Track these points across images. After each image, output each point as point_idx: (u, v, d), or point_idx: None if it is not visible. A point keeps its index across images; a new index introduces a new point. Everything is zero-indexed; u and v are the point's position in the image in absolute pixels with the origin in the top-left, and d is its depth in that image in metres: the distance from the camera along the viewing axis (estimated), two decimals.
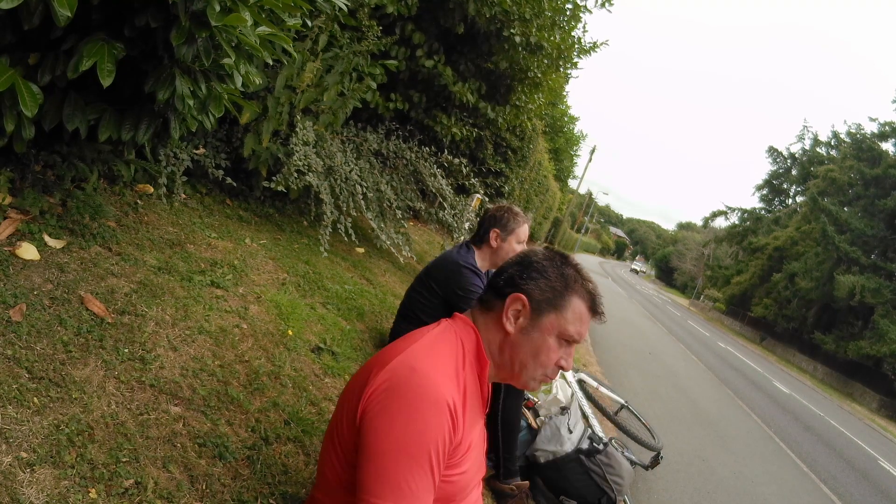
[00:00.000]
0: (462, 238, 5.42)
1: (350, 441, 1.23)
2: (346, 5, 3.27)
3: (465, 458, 1.27)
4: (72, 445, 1.49)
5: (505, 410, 2.66)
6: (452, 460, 1.21)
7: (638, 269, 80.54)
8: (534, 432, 3.02)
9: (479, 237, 2.98)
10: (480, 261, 2.93)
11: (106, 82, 1.82)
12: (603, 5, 7.00)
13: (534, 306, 1.31)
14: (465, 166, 5.43)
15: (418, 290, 3.02)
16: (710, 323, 34.25)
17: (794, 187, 42.41)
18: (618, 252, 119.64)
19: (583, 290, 1.34)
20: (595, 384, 4.12)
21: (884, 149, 29.67)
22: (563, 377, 3.77)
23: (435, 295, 2.91)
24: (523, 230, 2.93)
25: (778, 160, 43.71)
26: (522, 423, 2.97)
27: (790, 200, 42.86)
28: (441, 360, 1.23)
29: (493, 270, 3.21)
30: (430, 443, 1.11)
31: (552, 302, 1.32)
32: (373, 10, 4.75)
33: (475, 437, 1.35)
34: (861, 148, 30.48)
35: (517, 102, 7.26)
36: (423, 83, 6.15)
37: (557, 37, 6.66)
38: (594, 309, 1.36)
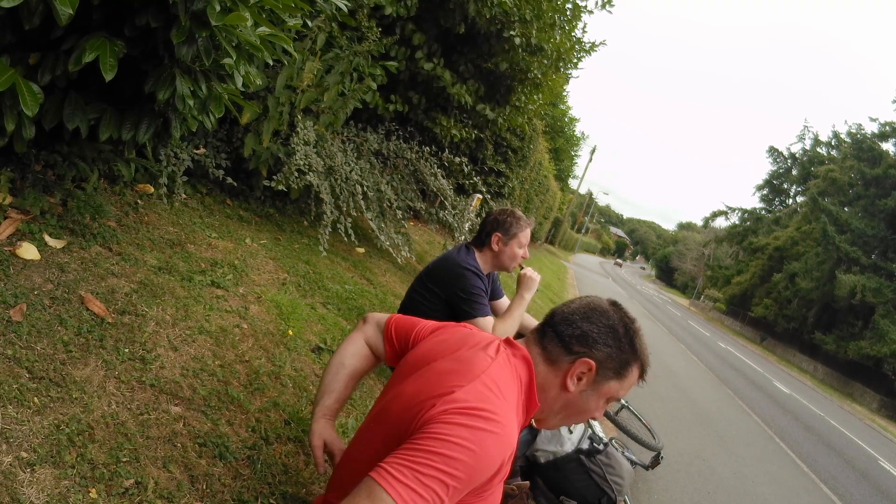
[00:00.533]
0: (463, 238, 5.41)
1: (396, 416, 1.21)
2: (346, 5, 3.27)
3: (503, 480, 1.25)
4: (72, 445, 1.49)
5: None
6: (496, 482, 1.19)
7: (620, 263, 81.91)
8: (534, 432, 3.02)
9: (480, 240, 2.95)
10: (482, 263, 2.92)
11: (108, 76, 1.81)
12: (604, 6, 6.99)
13: (599, 372, 1.31)
14: (466, 165, 5.43)
15: (419, 291, 3.00)
16: (710, 323, 34.26)
17: (794, 187, 42.44)
18: (618, 252, 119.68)
19: (642, 361, 1.36)
20: None
21: (884, 149, 29.69)
22: None
23: (435, 296, 2.90)
24: (525, 234, 2.91)
25: (778, 160, 43.74)
26: None
27: (790, 200, 42.90)
28: (509, 400, 1.21)
29: (495, 273, 3.21)
30: (471, 480, 1.07)
31: (618, 371, 1.33)
32: (372, 11, 4.75)
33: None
34: (861, 148, 30.49)
35: (517, 103, 7.25)
36: (423, 84, 6.15)
37: (558, 37, 6.65)
38: (642, 376, 1.39)
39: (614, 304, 1.38)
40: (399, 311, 3.14)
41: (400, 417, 1.22)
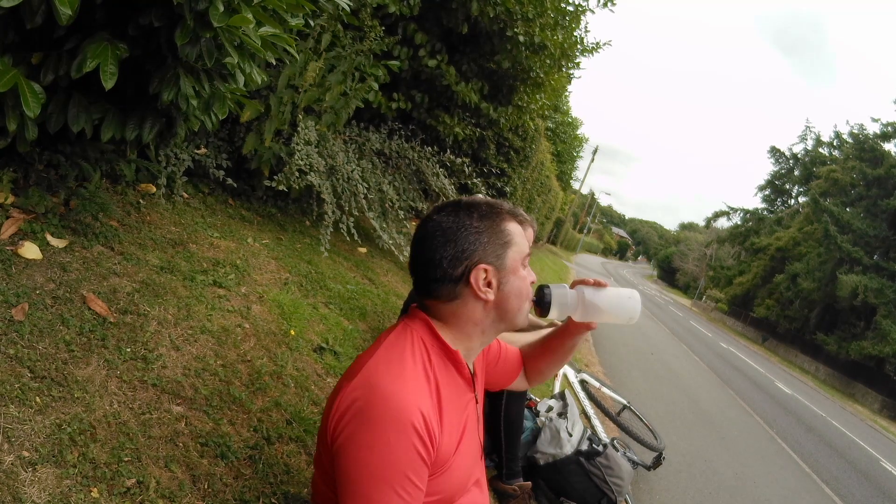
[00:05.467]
0: None
1: (326, 460, 1.22)
2: (349, 5, 3.27)
3: (457, 454, 1.24)
4: (74, 445, 1.49)
5: (508, 411, 2.65)
6: (438, 466, 1.18)
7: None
8: (535, 433, 3.02)
9: None
10: None
11: (108, 85, 1.82)
12: (605, 5, 6.98)
13: (493, 263, 1.26)
14: (468, 166, 5.43)
15: None
16: (712, 323, 34.21)
17: (796, 188, 42.34)
18: (620, 252, 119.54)
19: (507, 217, 1.32)
20: (597, 384, 4.12)
21: (886, 149, 29.61)
22: (566, 377, 3.77)
23: None
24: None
25: (780, 160, 43.65)
26: (527, 423, 2.97)
27: (792, 201, 42.80)
28: (404, 368, 1.18)
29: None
30: (402, 467, 1.09)
31: (501, 244, 1.28)
32: (375, 10, 4.75)
33: (467, 424, 1.32)
34: (863, 148, 30.42)
35: (519, 102, 7.25)
36: (426, 83, 6.14)
37: (560, 36, 6.65)
38: (521, 219, 1.37)
39: (436, 210, 1.32)
40: (402, 309, 3.15)
41: (323, 417, 1.25)
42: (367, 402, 1.11)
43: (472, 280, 1.25)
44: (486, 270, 1.25)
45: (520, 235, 1.32)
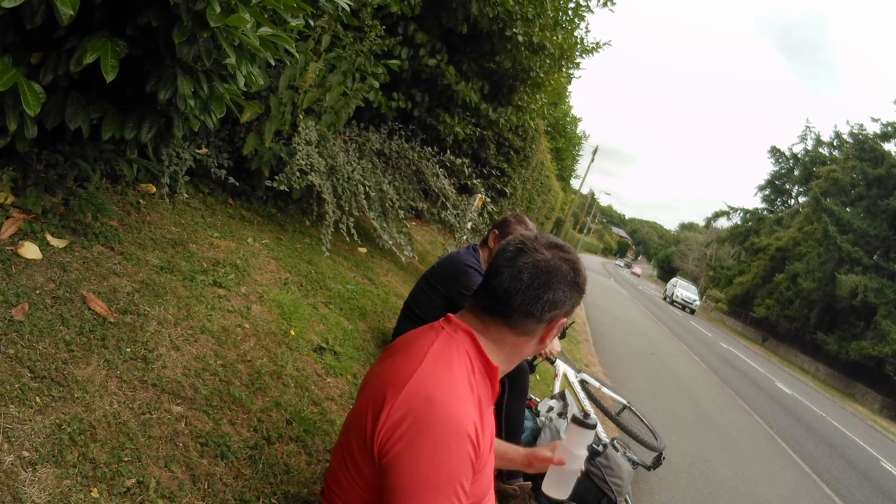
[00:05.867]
0: (465, 238, 5.42)
1: (365, 466, 1.23)
2: (349, 5, 3.27)
3: (487, 461, 1.29)
4: (74, 445, 1.49)
5: (508, 411, 2.66)
6: (476, 473, 1.22)
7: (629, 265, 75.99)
8: (535, 433, 3.02)
9: (484, 238, 3.03)
10: (484, 262, 2.95)
11: (109, 77, 1.82)
12: (605, 5, 6.99)
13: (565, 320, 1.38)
14: (468, 167, 5.43)
15: (423, 289, 3.02)
16: (712, 323, 34.20)
17: (796, 188, 42.35)
18: (620, 252, 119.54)
19: (585, 283, 1.40)
20: (597, 384, 4.12)
21: (886, 149, 29.60)
22: (566, 377, 3.77)
23: (439, 295, 2.92)
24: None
25: (780, 160, 43.65)
26: (527, 423, 2.97)
27: (792, 201, 42.81)
28: (455, 381, 1.22)
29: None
30: (459, 475, 1.13)
31: (572, 309, 1.38)
32: (375, 10, 4.75)
33: (491, 434, 1.37)
34: (863, 148, 30.42)
35: (519, 102, 7.25)
36: (426, 82, 6.15)
37: (560, 36, 6.65)
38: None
39: (554, 246, 1.36)
40: (402, 310, 3.15)
41: (359, 424, 1.26)
42: (425, 413, 1.14)
43: (553, 326, 1.35)
44: (562, 323, 1.36)
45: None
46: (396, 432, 1.15)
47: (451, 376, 1.22)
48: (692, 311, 33.89)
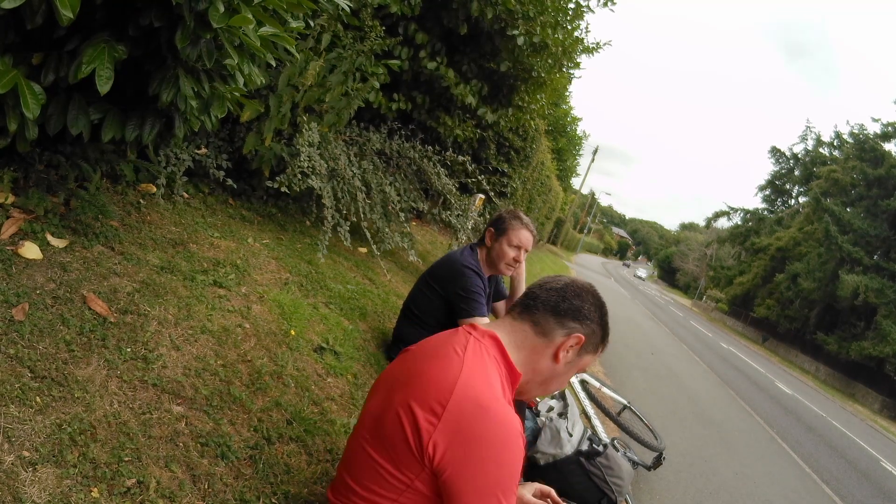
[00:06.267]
0: (466, 238, 5.42)
1: (405, 469, 1.27)
2: (349, 5, 3.27)
3: None
4: (74, 445, 1.50)
5: None
6: None
7: (642, 276, 72.72)
8: (535, 433, 3.02)
9: (481, 237, 3.01)
10: (483, 262, 2.94)
11: (103, 90, 1.83)
12: (605, 4, 6.98)
13: (584, 347, 1.42)
14: (470, 164, 5.43)
15: (421, 289, 3.02)
16: (712, 323, 34.20)
17: (796, 188, 42.36)
18: (620, 252, 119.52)
19: (608, 339, 1.49)
20: (598, 384, 4.12)
21: (886, 149, 29.61)
22: None
23: (436, 294, 2.91)
24: (518, 234, 2.88)
25: (780, 160, 43.66)
26: (527, 423, 2.97)
27: (793, 201, 42.83)
28: (495, 386, 1.28)
29: (500, 277, 3.19)
30: (516, 473, 1.22)
31: (595, 346, 1.45)
32: (376, 11, 4.75)
33: None
34: (864, 148, 30.42)
35: (520, 103, 7.25)
36: (426, 84, 6.15)
37: (560, 36, 6.65)
38: (603, 350, 1.52)
39: (592, 286, 1.49)
40: (401, 310, 3.15)
41: (393, 429, 1.29)
42: (482, 423, 1.20)
43: (570, 338, 1.40)
44: (579, 342, 1.41)
45: (598, 356, 1.52)
46: (454, 443, 1.20)
47: (491, 382, 1.28)
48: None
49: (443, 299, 2.89)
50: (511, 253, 2.87)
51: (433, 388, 1.26)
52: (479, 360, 1.31)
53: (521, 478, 1.26)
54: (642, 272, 72.29)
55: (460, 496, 1.20)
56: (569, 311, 1.40)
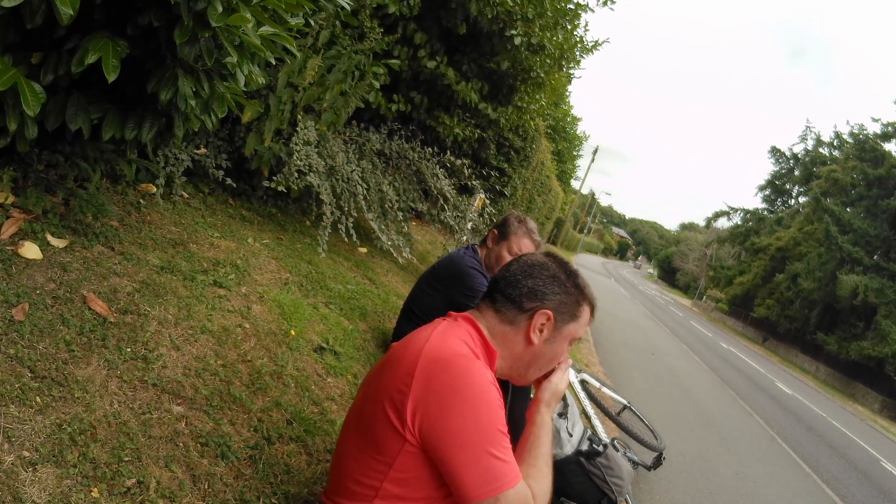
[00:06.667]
0: (465, 238, 5.42)
1: (390, 448, 1.26)
2: (349, 5, 3.27)
3: None
4: (74, 445, 1.49)
5: (513, 413, 2.65)
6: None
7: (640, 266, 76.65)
8: None
9: (483, 238, 3.01)
10: (484, 261, 2.94)
11: (111, 77, 1.82)
12: (605, 4, 6.98)
13: (557, 319, 1.41)
14: (468, 167, 5.42)
15: (423, 289, 3.02)
16: (712, 323, 34.20)
17: (796, 188, 42.35)
18: (620, 252, 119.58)
19: (589, 299, 1.46)
20: (597, 384, 4.11)
21: (886, 149, 29.61)
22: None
23: (439, 294, 2.91)
24: (519, 242, 2.87)
25: (780, 160, 43.65)
26: None
27: (793, 201, 42.81)
28: (461, 346, 1.29)
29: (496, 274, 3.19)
30: (495, 420, 1.20)
31: (572, 313, 1.43)
32: (374, 10, 4.75)
33: None
34: (864, 148, 30.42)
35: (519, 103, 7.25)
36: (426, 84, 6.15)
37: (560, 36, 6.65)
38: (593, 314, 1.50)
39: (549, 254, 1.49)
40: (402, 310, 3.15)
41: (373, 416, 1.30)
42: (447, 373, 1.21)
43: (535, 318, 1.40)
44: (548, 318, 1.40)
45: (585, 321, 1.48)
46: (425, 402, 1.20)
47: (457, 343, 1.30)
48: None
49: (445, 299, 2.88)
50: (508, 258, 2.86)
51: (404, 364, 1.28)
52: (449, 330, 1.34)
53: (503, 424, 1.22)
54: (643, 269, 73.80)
55: (451, 461, 1.18)
56: (523, 294, 1.41)
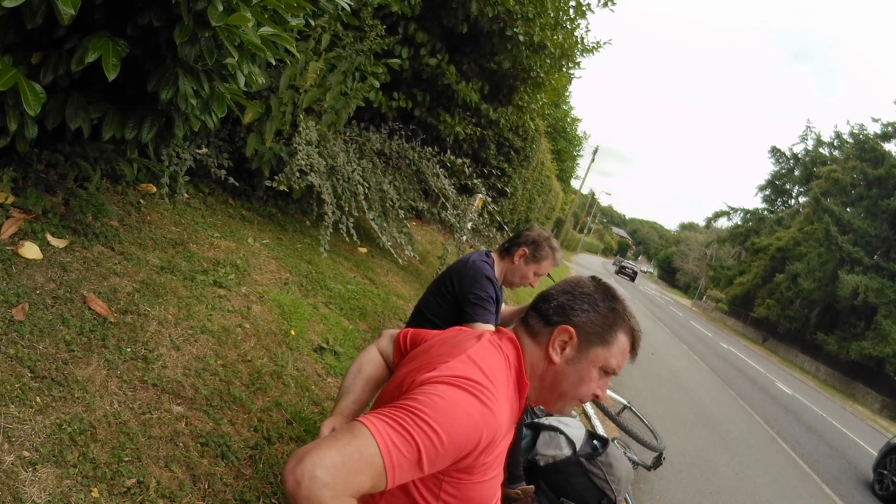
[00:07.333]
0: (465, 238, 5.42)
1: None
2: (350, 5, 3.27)
3: (496, 462, 1.27)
4: (74, 444, 1.49)
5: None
6: (486, 460, 1.20)
7: (637, 269, 72.60)
8: (535, 436, 3.01)
9: (506, 248, 2.98)
10: (497, 270, 2.94)
11: (111, 76, 1.81)
12: (605, 4, 6.98)
13: (581, 338, 1.32)
14: (468, 167, 5.42)
15: (434, 291, 3.01)
16: (712, 323, 34.20)
17: (796, 188, 42.36)
18: (620, 252, 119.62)
19: (628, 327, 1.36)
20: None
21: (886, 149, 29.62)
22: None
23: (451, 294, 2.91)
24: (547, 266, 2.93)
25: (781, 160, 43.66)
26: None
27: (793, 201, 42.82)
28: (498, 374, 1.22)
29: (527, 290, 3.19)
30: (451, 439, 1.07)
31: (601, 336, 1.33)
32: (376, 10, 4.75)
33: (505, 447, 1.35)
34: (864, 148, 30.43)
35: (520, 102, 7.25)
36: (427, 82, 6.15)
37: (560, 36, 6.65)
38: (634, 347, 1.38)
39: (594, 278, 1.42)
40: (413, 313, 3.14)
41: (391, 395, 1.26)
42: (476, 384, 1.13)
43: (555, 333, 1.32)
44: (570, 336, 1.31)
45: (620, 349, 1.35)
46: (434, 378, 1.14)
47: (495, 368, 1.23)
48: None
49: (454, 302, 2.88)
50: (533, 278, 2.93)
51: (441, 357, 1.24)
52: (489, 351, 1.28)
53: (460, 444, 1.09)
54: (643, 268, 73.34)
55: (394, 404, 1.09)
56: (552, 307, 1.35)
